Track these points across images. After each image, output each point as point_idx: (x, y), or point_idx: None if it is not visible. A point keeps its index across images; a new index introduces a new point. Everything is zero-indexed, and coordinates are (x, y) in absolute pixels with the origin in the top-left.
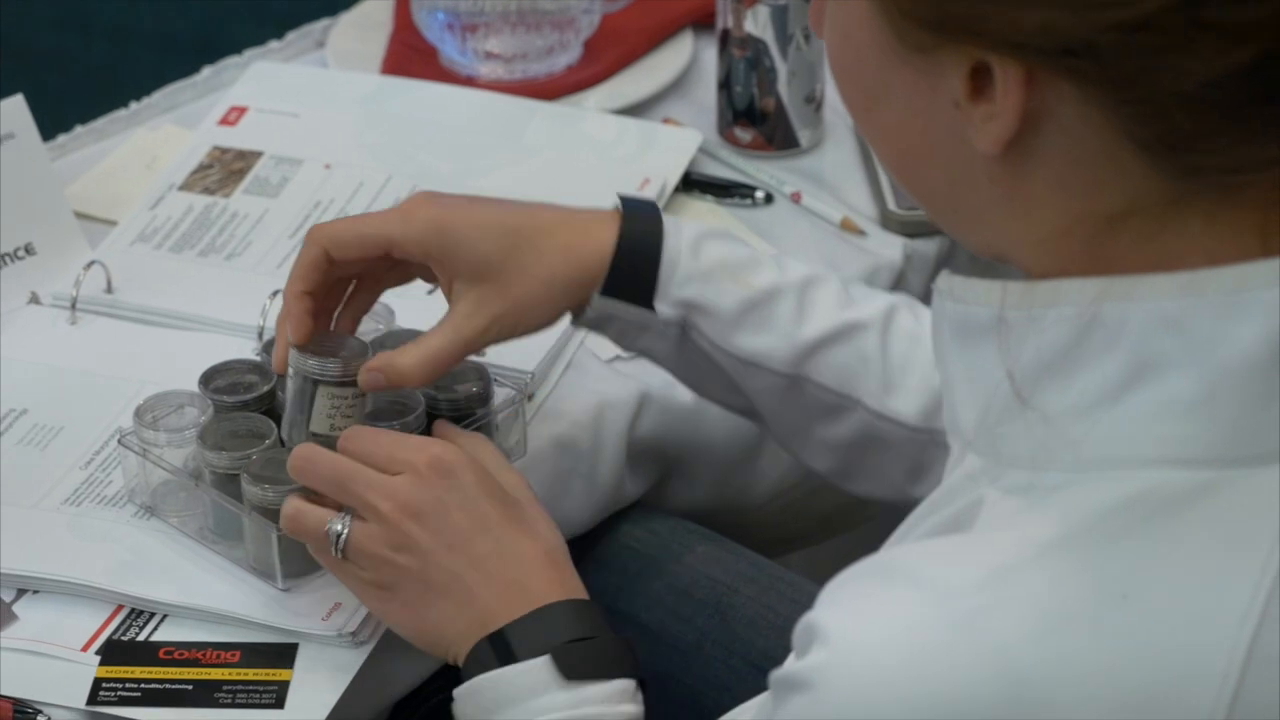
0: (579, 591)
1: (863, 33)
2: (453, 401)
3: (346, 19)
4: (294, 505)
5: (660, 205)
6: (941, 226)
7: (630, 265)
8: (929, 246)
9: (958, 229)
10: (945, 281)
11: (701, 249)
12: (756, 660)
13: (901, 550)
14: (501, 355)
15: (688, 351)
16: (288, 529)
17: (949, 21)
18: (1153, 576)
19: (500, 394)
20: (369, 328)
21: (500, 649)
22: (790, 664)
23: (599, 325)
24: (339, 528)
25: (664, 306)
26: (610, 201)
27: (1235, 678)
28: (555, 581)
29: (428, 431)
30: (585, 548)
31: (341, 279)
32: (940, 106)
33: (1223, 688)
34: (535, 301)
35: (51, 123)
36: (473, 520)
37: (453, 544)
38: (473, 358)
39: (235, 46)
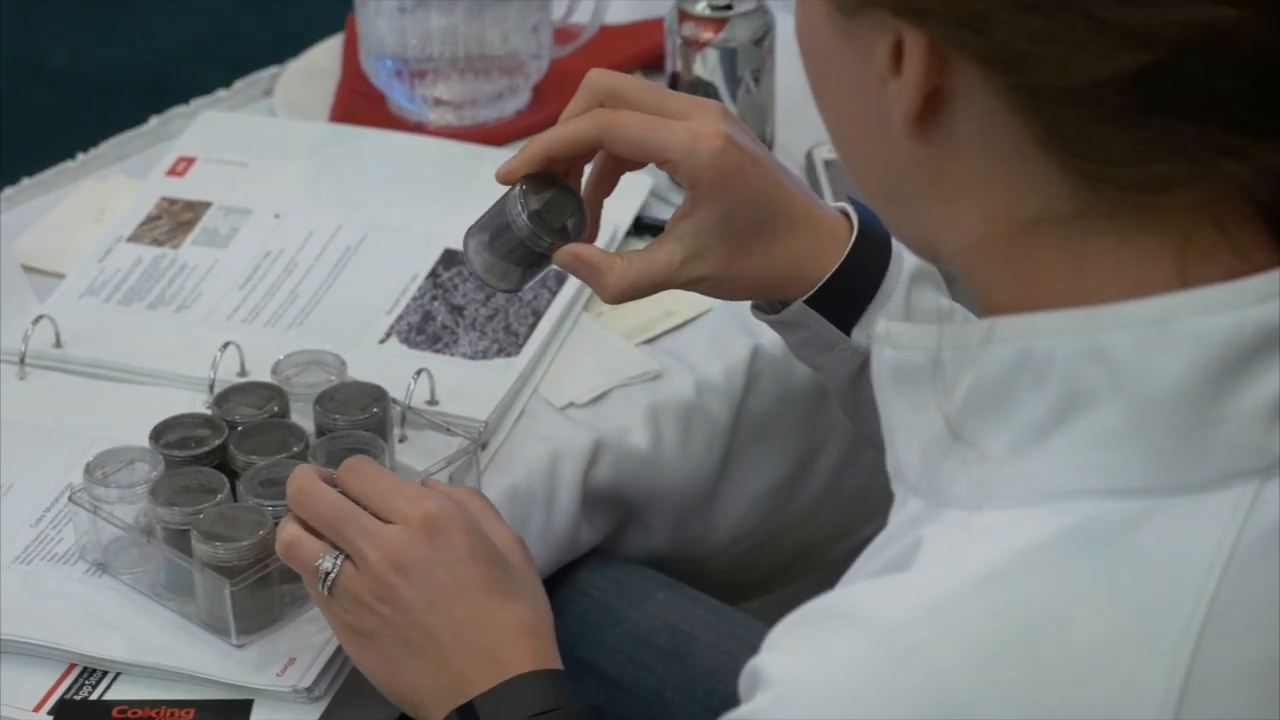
0: (552, 661)
1: (812, 2)
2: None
3: (294, 66)
4: (291, 533)
5: (611, 249)
6: (883, 219)
7: (845, 288)
8: None
9: (895, 221)
10: (883, 328)
11: (914, 292)
12: (717, 707)
13: (842, 592)
14: (454, 404)
15: (863, 383)
16: (280, 552)
17: None
18: (1088, 606)
19: (452, 444)
20: (319, 378)
21: None
22: (736, 711)
23: (783, 327)
24: (329, 566)
25: (861, 336)
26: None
27: (1173, 705)
28: (529, 651)
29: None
30: None
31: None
32: (871, 81)
33: (1159, 713)
34: (746, 281)
35: None
36: (456, 583)
37: (434, 604)
38: (425, 409)
39: (181, 91)
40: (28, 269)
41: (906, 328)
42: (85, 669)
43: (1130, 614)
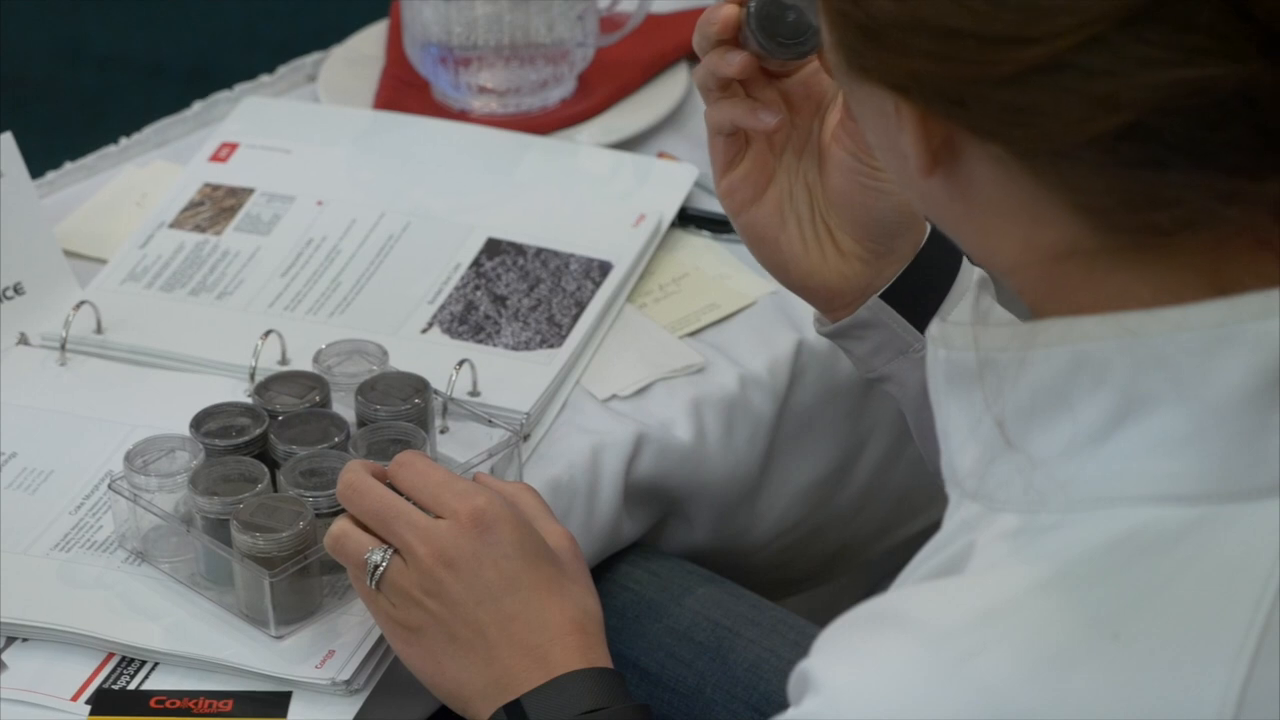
0: (602, 659)
1: (835, 55)
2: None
3: (338, 53)
4: (342, 527)
5: (655, 241)
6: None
7: (919, 285)
8: None
9: (955, 240)
10: (936, 329)
11: (982, 295)
12: (758, 704)
13: (893, 596)
14: (496, 395)
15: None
16: (329, 546)
17: (857, 60)
18: (1144, 615)
19: (494, 436)
20: (361, 368)
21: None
22: (785, 714)
23: (851, 336)
24: (378, 558)
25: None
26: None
27: (1230, 716)
28: (577, 649)
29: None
30: None
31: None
32: (890, 129)
33: None
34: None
35: (40, 152)
36: (504, 578)
37: (481, 599)
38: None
39: (225, 76)
40: (69, 254)
41: (959, 328)
42: (123, 658)
43: (1186, 623)
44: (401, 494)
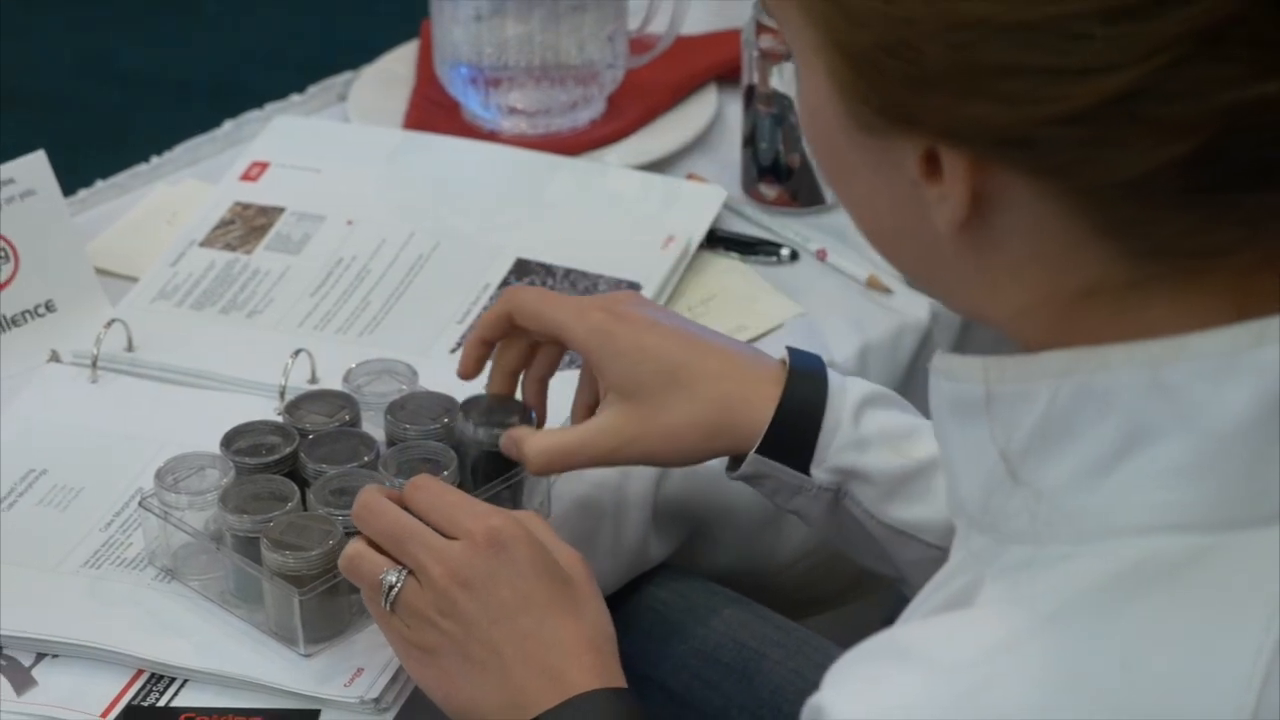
0: (616, 679)
1: (827, 110)
2: (492, 435)
3: (368, 72)
4: (356, 548)
5: (684, 262)
6: (924, 293)
7: (791, 428)
8: None
9: (938, 297)
10: (939, 361)
11: (863, 416)
12: None
13: (903, 630)
14: None
15: (840, 517)
16: (343, 568)
17: (896, 110)
18: (1153, 644)
19: None
20: (391, 388)
21: None
22: None
23: (753, 481)
24: (393, 579)
25: (820, 472)
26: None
27: None
28: (593, 669)
29: (461, 485)
30: (610, 610)
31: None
32: (902, 184)
33: None
34: (677, 440)
35: (67, 168)
36: (519, 597)
37: (496, 618)
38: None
39: (252, 94)
40: (100, 272)
41: (963, 360)
42: (153, 675)
43: (1195, 652)
44: (416, 516)
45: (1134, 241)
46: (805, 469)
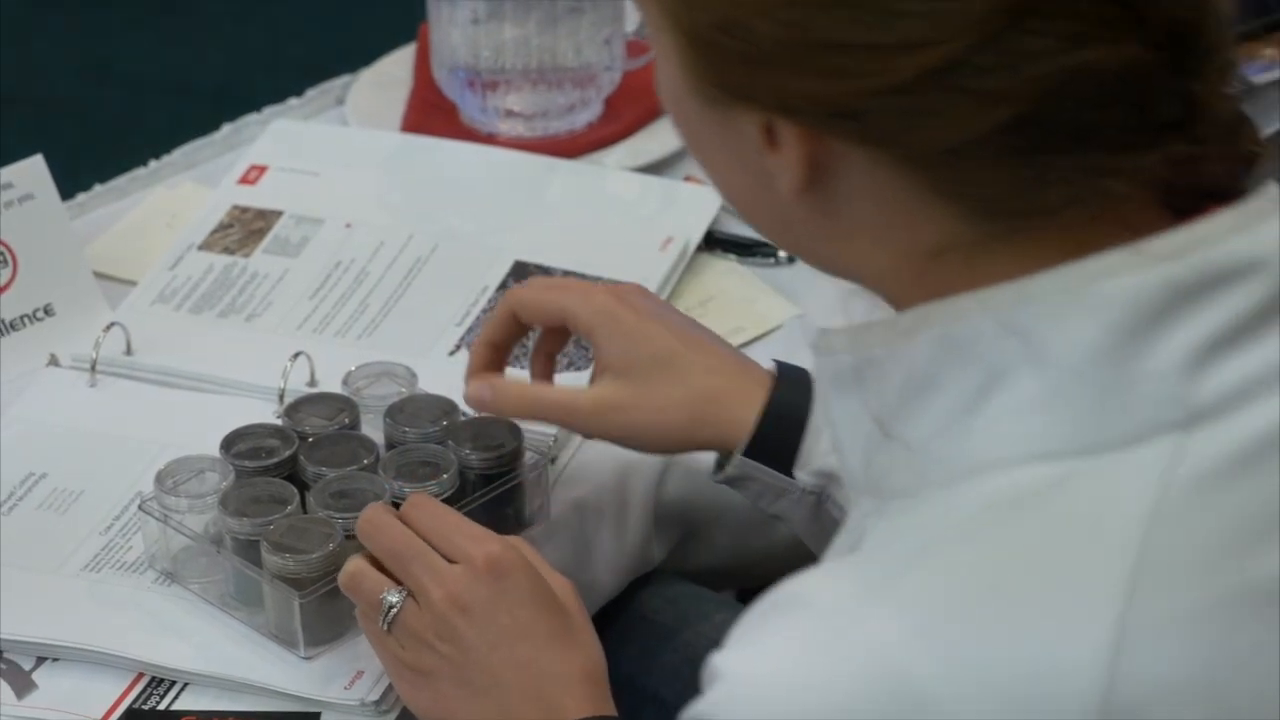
0: (609, 708)
1: (678, 87)
2: (486, 459)
3: (366, 76)
4: (358, 565)
5: (682, 264)
6: (793, 254)
7: (776, 431)
8: None
9: (804, 257)
10: (816, 337)
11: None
12: None
13: (787, 583)
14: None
15: (823, 520)
16: (343, 584)
17: (735, 86)
18: (1019, 568)
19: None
20: (391, 390)
21: None
22: (692, 706)
23: (737, 484)
24: (394, 600)
25: (804, 475)
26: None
27: (1109, 656)
28: (587, 699)
29: (460, 491)
30: (601, 618)
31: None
32: (750, 155)
33: (1095, 665)
34: (661, 420)
35: (66, 172)
36: (518, 626)
37: (495, 645)
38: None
39: (250, 98)
40: (99, 275)
41: (836, 334)
42: (153, 678)
43: (1061, 571)
44: (414, 533)
45: (969, 203)
46: (789, 472)
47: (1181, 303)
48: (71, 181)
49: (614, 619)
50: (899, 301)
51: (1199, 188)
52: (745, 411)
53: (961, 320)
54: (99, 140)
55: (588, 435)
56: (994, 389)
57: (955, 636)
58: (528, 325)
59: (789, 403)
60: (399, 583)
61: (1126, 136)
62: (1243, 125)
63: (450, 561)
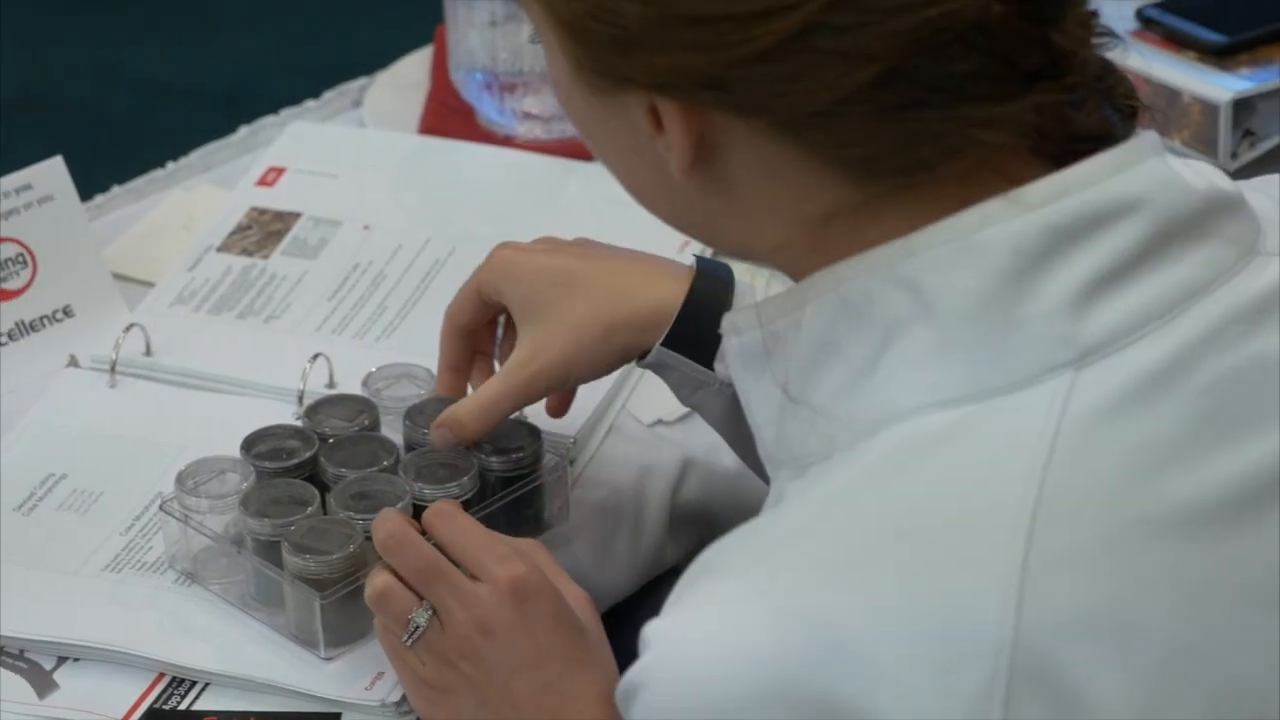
0: None
1: (566, 80)
2: (506, 462)
3: (383, 78)
4: (386, 582)
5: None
6: (691, 237)
7: (695, 321)
8: None
9: (703, 237)
10: (726, 321)
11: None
12: None
13: (710, 549)
14: (542, 420)
15: (739, 414)
16: (369, 599)
17: (613, 72)
18: (923, 510)
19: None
20: (410, 392)
21: None
22: (624, 675)
23: (659, 372)
24: (421, 621)
25: (722, 367)
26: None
27: (1016, 589)
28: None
29: (481, 493)
30: (614, 618)
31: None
32: (640, 139)
33: (1003, 600)
34: (578, 341)
35: (80, 175)
36: (540, 650)
37: (517, 668)
38: (513, 417)
39: (269, 99)
40: (117, 277)
41: (741, 313)
42: (174, 679)
43: (963, 511)
44: (436, 544)
45: (850, 166)
46: (709, 364)
47: (1062, 245)
48: (90, 184)
49: (627, 619)
50: (798, 273)
51: (1075, 136)
52: (655, 302)
53: (853, 282)
54: (117, 143)
55: (541, 396)
56: (889, 344)
57: (868, 580)
58: (470, 329)
59: (709, 294)
60: (420, 597)
61: (994, 87)
62: (1112, 74)
63: (473, 577)
